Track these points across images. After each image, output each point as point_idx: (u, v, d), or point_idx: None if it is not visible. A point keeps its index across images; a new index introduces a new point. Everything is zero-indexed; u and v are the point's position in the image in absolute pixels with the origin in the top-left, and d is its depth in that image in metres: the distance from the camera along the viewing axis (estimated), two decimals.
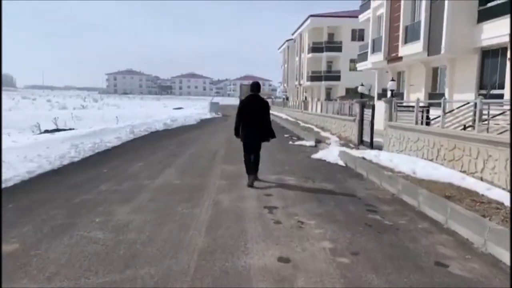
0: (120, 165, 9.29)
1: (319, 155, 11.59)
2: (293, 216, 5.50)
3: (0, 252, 3.98)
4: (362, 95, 14.74)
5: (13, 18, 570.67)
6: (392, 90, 12.33)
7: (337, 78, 44.52)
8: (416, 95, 20.39)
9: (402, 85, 22.87)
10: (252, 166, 7.75)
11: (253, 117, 7.64)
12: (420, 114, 11.22)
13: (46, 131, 17.44)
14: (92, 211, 5.51)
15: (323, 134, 17.42)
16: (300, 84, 52.51)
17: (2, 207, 5.42)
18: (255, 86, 7.86)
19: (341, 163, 10.53)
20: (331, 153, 11.60)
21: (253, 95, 7.77)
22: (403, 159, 9.42)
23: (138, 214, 5.40)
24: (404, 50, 19.37)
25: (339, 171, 9.51)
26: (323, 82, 44.93)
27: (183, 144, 13.66)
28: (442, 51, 15.33)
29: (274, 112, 41.04)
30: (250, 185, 7.40)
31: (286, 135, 18.21)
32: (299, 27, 51.10)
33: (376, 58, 23.71)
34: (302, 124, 23.32)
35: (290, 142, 15.10)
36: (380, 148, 12.56)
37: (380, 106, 13.66)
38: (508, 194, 5.97)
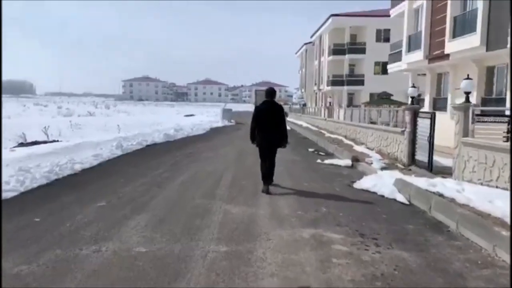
0: (67, 206, 6.08)
1: (365, 183, 8.21)
2: None
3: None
4: (412, 100, 11.28)
5: (34, 26, 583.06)
6: (467, 93, 8.88)
7: (361, 82, 40.94)
8: (463, 100, 16.92)
9: (444, 89, 19.45)
10: (266, 171, 7.66)
11: (268, 123, 7.62)
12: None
13: (22, 144, 14.51)
14: None
15: (358, 148, 14.01)
16: (319, 89, 49.06)
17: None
18: (270, 92, 7.92)
19: (401, 198, 7.15)
20: (381, 181, 8.22)
21: (268, 101, 7.79)
22: None
23: None
24: (452, 46, 15.89)
25: (407, 217, 6.13)
26: (345, 87, 41.41)
27: (179, 164, 10.41)
28: (509, 44, 11.93)
29: (291, 119, 37.70)
30: (265, 191, 7.33)
31: (310, 149, 14.83)
32: (318, 29, 47.75)
33: (413, 58, 20.26)
34: (327, 134, 19.92)
35: (319, 160, 11.71)
36: (444, 172, 9.14)
37: (443, 115, 10.25)
38: None
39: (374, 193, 7.65)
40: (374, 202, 6.99)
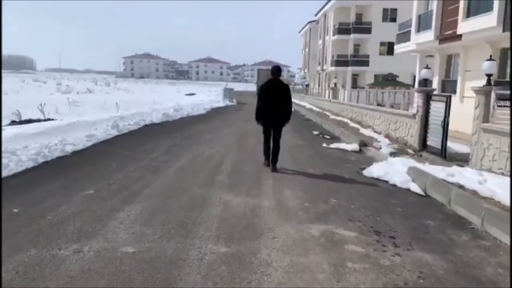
0: (52, 194, 5.52)
1: (375, 170, 7.63)
2: None
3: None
4: (425, 82, 10.61)
5: (36, 2, 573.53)
6: (489, 75, 8.25)
7: (366, 63, 39.92)
8: (474, 83, 16.18)
9: (454, 71, 18.69)
10: (271, 154, 7.59)
11: (274, 102, 7.45)
12: None
13: (13, 122, 13.90)
14: None
15: (364, 132, 13.40)
16: (323, 70, 48.03)
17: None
18: (276, 70, 7.72)
19: (415, 189, 6.59)
20: (393, 168, 7.65)
21: (273, 79, 7.60)
22: None
23: None
24: (466, 26, 15.09)
25: (425, 210, 5.57)
26: (349, 68, 40.41)
27: (177, 147, 9.83)
28: None
29: (295, 100, 36.68)
30: (268, 165, 7.55)
31: (315, 132, 14.22)
32: (323, 7, 46.41)
33: (422, 38, 19.42)
34: (332, 116, 19.28)
35: (324, 145, 11.12)
36: (458, 159, 8.59)
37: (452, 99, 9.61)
38: None
39: (386, 181, 7.10)
40: (387, 192, 6.43)
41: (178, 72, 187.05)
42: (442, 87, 19.03)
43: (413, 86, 29.40)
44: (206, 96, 41.01)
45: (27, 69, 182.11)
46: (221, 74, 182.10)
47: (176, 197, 5.57)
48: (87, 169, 7.02)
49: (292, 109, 8.19)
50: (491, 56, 8.97)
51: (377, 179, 7.28)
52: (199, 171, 7.19)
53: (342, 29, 41.06)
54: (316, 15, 51.51)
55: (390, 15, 38.82)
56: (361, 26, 40.22)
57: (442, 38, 17.51)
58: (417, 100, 10.60)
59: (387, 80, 31.10)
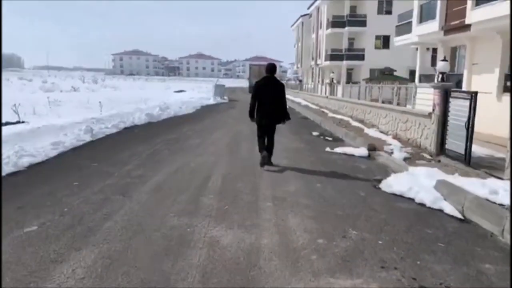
0: None
1: (395, 184, 6.29)
2: None
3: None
4: (443, 77, 9.30)
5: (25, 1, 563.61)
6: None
7: (361, 57, 38.70)
8: (482, 76, 15.01)
9: (459, 64, 17.50)
10: (266, 150, 7.56)
11: (269, 100, 7.43)
12: None
13: None
14: None
15: (369, 132, 12.09)
16: (317, 64, 46.70)
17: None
18: (271, 68, 7.66)
19: (451, 210, 5.27)
20: (416, 181, 6.33)
21: (268, 77, 7.55)
22: None
23: None
24: (476, 15, 13.84)
25: (473, 246, 4.23)
26: (344, 62, 39.14)
27: (157, 157, 8.36)
28: None
29: (289, 96, 35.25)
30: (262, 164, 7.40)
31: (315, 133, 12.85)
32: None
33: (426, 29, 18.18)
34: (330, 114, 17.93)
35: (328, 149, 9.75)
36: (485, 166, 7.36)
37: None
38: None
39: (411, 200, 5.78)
40: (417, 216, 5.10)
41: (168, 69, 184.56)
42: (446, 82, 17.80)
43: (412, 81, 28.30)
44: (196, 93, 39.41)
45: (15, 67, 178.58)
46: (212, 70, 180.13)
47: (145, 233, 4.17)
48: (38, 191, 5.57)
49: (288, 106, 7.95)
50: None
51: (400, 196, 5.95)
52: (180, 191, 5.78)
53: (336, 22, 39.76)
54: (308, 8, 50.12)
55: (385, 8, 37.68)
56: (356, 19, 38.94)
57: (448, 29, 16.25)
58: (434, 97, 9.29)
59: (385, 75, 29.84)
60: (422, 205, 5.58)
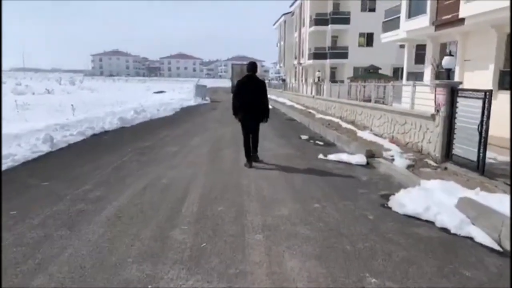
0: None
1: (406, 202, 5.23)
2: None
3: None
4: (448, 73, 8.34)
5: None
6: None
7: (344, 55, 37.93)
8: (475, 73, 14.23)
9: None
10: (252, 147, 7.76)
11: (251, 97, 7.51)
12: None
13: None
14: None
15: (363, 135, 11.08)
16: (300, 63, 45.79)
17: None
18: (251, 66, 7.70)
19: (482, 238, 4.26)
20: (433, 198, 5.29)
21: (249, 75, 7.61)
22: None
23: None
24: (471, 8, 13.00)
25: None
26: (328, 60, 38.31)
27: (123, 171, 7.09)
28: None
29: (272, 96, 34.24)
30: (249, 167, 7.46)
31: (304, 137, 11.77)
32: None
33: (415, 24, 17.33)
34: (318, 115, 16.89)
35: (321, 156, 8.66)
36: (499, 174, 6.40)
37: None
38: None
39: (430, 223, 4.74)
40: (445, 249, 4.05)
41: (149, 69, 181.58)
42: (436, 79, 17.03)
43: (397, 79, 27.61)
44: (177, 94, 38.00)
45: None
46: (194, 70, 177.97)
47: None
48: None
49: (270, 106, 8.02)
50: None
51: (415, 217, 4.91)
52: (145, 220, 4.58)
53: (319, 20, 38.89)
54: (291, 6, 49.19)
55: (369, 5, 37.10)
56: (339, 16, 38.14)
57: (440, 24, 15.41)
58: (437, 96, 8.31)
59: (370, 73, 29.08)
60: (445, 230, 4.55)
